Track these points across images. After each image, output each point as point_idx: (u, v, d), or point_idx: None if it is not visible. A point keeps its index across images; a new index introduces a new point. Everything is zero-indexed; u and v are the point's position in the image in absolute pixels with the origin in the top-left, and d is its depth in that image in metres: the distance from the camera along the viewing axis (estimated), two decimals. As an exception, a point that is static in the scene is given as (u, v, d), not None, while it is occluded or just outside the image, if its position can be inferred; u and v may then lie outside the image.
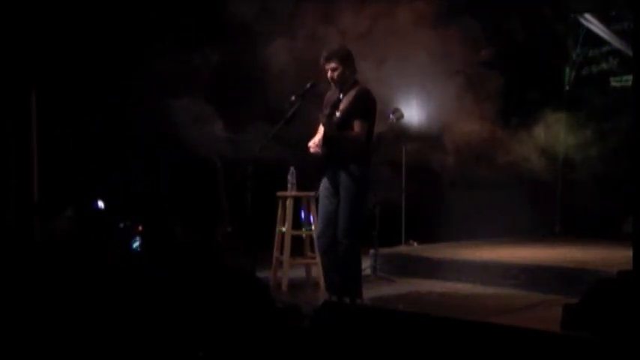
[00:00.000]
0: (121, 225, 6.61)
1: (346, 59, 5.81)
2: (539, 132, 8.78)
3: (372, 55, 7.31)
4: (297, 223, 7.01)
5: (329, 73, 5.82)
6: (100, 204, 7.01)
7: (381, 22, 7.69)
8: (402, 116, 7.82)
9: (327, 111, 5.84)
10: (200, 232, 7.57)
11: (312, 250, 6.89)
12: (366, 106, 5.80)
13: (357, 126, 5.69)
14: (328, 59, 5.80)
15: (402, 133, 8.17)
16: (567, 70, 9.73)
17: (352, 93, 5.80)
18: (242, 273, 5.03)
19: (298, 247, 7.10)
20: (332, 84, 5.89)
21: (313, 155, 5.89)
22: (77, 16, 7.52)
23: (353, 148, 5.71)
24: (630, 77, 7.88)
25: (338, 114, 5.81)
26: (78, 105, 7.61)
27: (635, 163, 5.20)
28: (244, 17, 7.49)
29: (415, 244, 8.61)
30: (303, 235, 7.09)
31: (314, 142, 5.87)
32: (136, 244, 6.68)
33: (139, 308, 4.31)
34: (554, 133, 8.96)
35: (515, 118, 8.86)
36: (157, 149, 7.89)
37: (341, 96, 5.86)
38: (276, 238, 7.09)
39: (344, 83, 5.85)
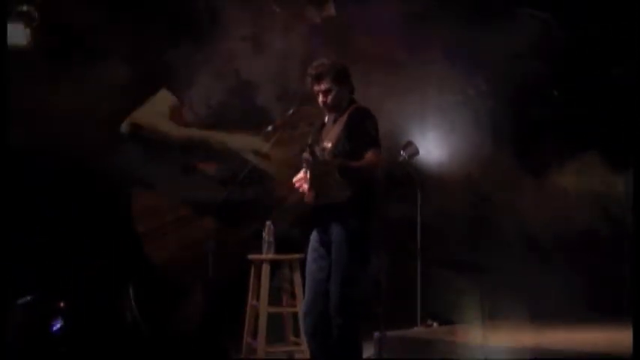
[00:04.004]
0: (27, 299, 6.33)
1: (342, 77, 5.52)
2: (600, 180, 8.50)
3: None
4: (275, 296, 6.80)
5: (320, 98, 5.51)
6: None
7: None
8: (416, 152, 7.63)
9: (307, 144, 5.47)
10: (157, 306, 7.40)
11: (297, 333, 6.68)
12: (370, 128, 5.42)
13: (370, 155, 5.38)
14: (318, 79, 5.48)
15: (416, 175, 7.95)
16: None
17: (344, 117, 5.48)
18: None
19: (277, 328, 6.91)
20: (325, 110, 5.58)
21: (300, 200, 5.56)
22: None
23: (366, 182, 5.37)
24: None
25: (329, 146, 5.39)
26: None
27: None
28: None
29: (435, 324, 8.14)
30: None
31: (299, 179, 5.48)
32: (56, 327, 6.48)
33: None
34: (619, 182, 8.48)
35: (566, 159, 8.58)
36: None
37: (325, 120, 5.59)
38: (248, 317, 6.88)
39: (340, 107, 5.51)
